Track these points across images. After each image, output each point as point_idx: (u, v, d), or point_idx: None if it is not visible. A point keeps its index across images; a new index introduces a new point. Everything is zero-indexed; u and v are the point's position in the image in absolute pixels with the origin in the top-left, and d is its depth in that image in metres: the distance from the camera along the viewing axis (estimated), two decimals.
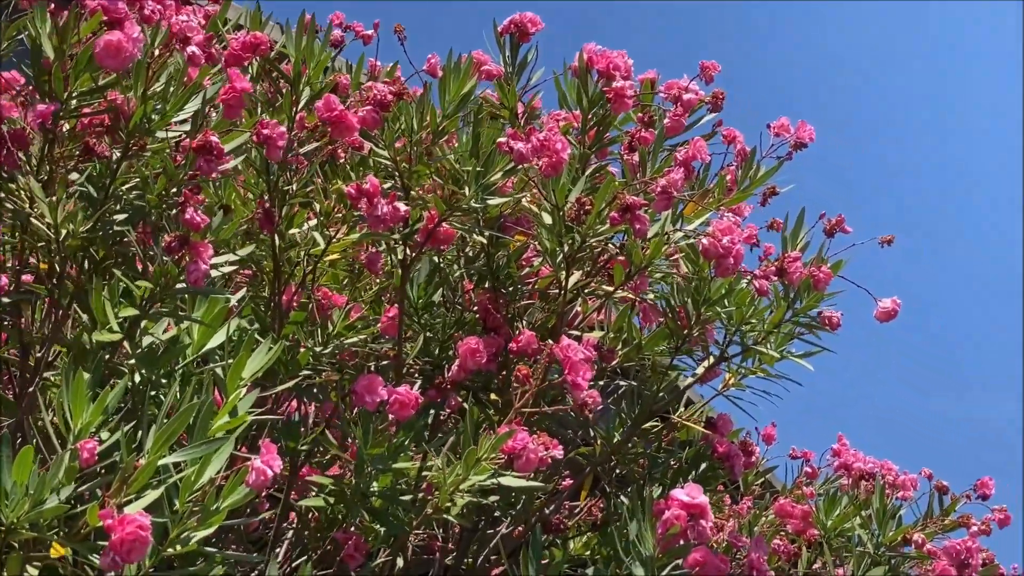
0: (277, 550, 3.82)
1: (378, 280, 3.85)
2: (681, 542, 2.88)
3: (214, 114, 2.97)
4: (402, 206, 3.25)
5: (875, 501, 4.17)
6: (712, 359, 3.89)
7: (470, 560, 3.94)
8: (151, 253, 2.88)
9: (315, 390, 3.78)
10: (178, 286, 2.81)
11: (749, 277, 3.62)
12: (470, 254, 4.00)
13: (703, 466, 3.99)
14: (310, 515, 3.68)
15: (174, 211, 2.84)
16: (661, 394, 3.93)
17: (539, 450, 2.99)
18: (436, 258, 3.93)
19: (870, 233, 3.82)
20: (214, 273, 3.01)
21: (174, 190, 2.88)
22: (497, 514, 4.00)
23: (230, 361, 2.76)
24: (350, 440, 3.28)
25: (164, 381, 2.86)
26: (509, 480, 2.99)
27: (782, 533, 4.33)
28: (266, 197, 3.32)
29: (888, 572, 3.86)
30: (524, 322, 3.80)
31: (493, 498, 3.28)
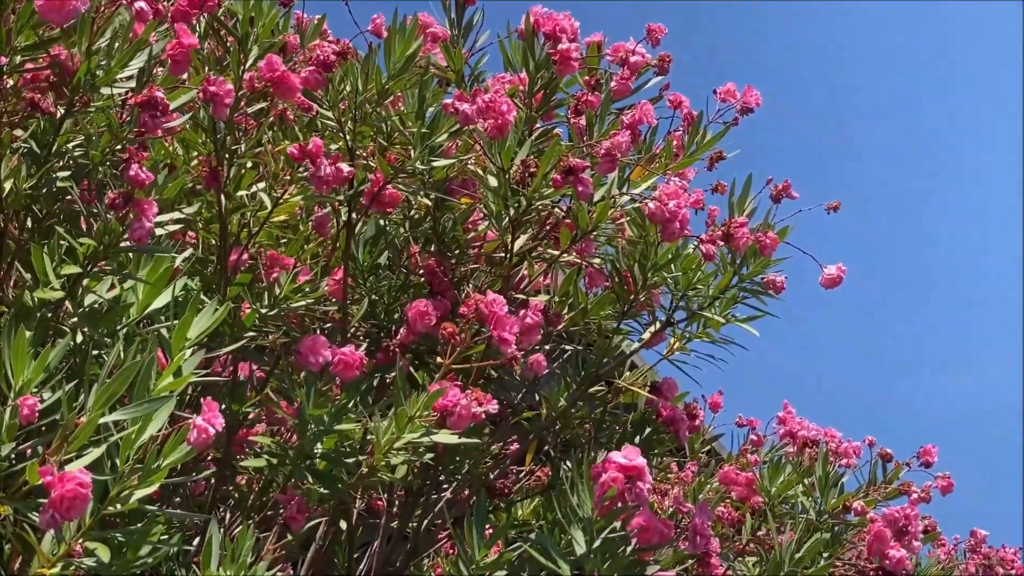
0: (221, 512, 3.81)
1: (324, 242, 3.83)
2: (619, 504, 2.89)
3: (160, 71, 2.93)
4: (345, 167, 3.23)
5: (818, 469, 4.21)
6: (658, 324, 3.90)
7: (414, 525, 3.94)
8: (95, 211, 2.84)
9: (257, 350, 3.77)
10: (122, 244, 2.78)
11: (696, 242, 3.62)
12: (416, 217, 3.98)
13: (648, 431, 4.00)
14: (253, 477, 3.67)
15: (118, 168, 2.80)
16: (606, 359, 3.93)
17: (472, 406, 2.98)
18: (382, 221, 3.91)
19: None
20: (159, 232, 2.98)
21: (119, 147, 2.84)
22: (442, 479, 4.00)
23: (175, 322, 2.74)
24: (296, 402, 3.27)
25: (107, 340, 2.83)
26: (442, 437, 2.98)
27: (727, 500, 4.36)
28: (213, 156, 3.29)
29: (830, 539, 3.89)
30: (470, 286, 3.78)
31: (429, 456, 3.28)
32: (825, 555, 3.74)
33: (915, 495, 4.55)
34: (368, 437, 3.17)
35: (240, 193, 3.43)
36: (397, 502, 4.08)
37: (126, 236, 2.74)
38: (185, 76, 2.96)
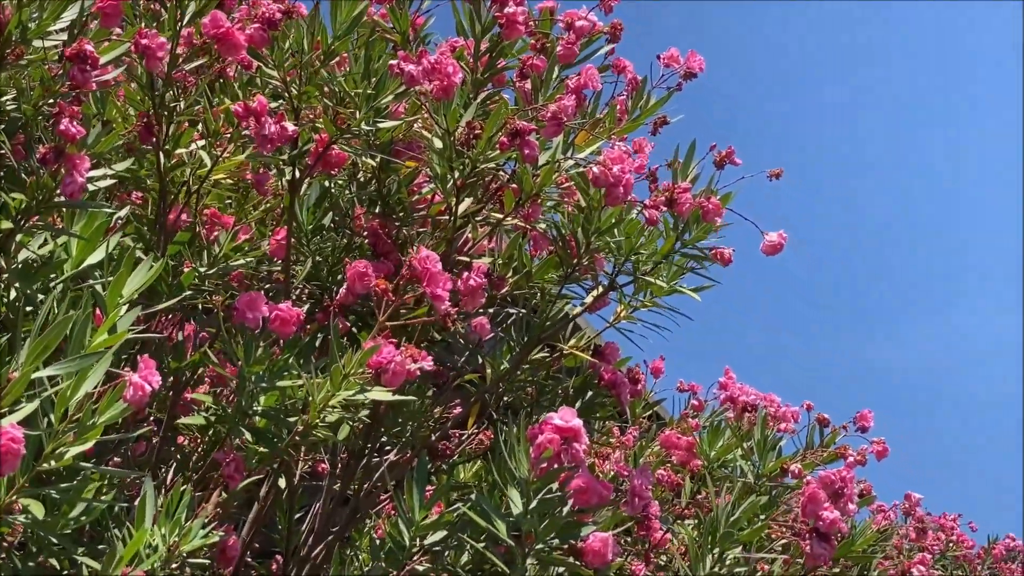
0: (163, 473, 3.79)
1: (267, 201, 3.81)
2: (556, 466, 2.90)
3: (94, 24, 2.90)
4: (290, 126, 3.21)
5: (757, 433, 4.24)
6: (601, 288, 3.90)
7: (356, 486, 3.94)
8: (26, 165, 2.81)
9: (199, 310, 3.75)
10: (55, 200, 2.75)
11: (639, 207, 3.62)
12: (362, 179, 3.97)
13: (590, 394, 4.02)
14: (197, 437, 3.66)
15: (50, 122, 2.77)
16: (549, 322, 3.93)
17: (406, 362, 2.98)
18: (327, 182, 3.90)
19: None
20: (92, 187, 2.95)
21: (51, 101, 2.81)
22: (384, 441, 4.01)
23: (110, 278, 2.72)
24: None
25: (41, 297, 2.81)
26: (377, 394, 2.98)
27: (667, 464, 4.39)
28: (151, 113, 3.26)
29: (767, 502, 3.92)
30: (414, 248, 3.78)
31: (366, 414, 3.28)
32: (761, 517, 3.77)
33: (851, 459, 4.60)
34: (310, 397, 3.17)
35: (179, 151, 3.40)
36: (340, 465, 4.08)
37: (59, 191, 2.71)
38: (118, 30, 2.93)
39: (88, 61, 2.69)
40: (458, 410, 4.31)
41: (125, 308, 2.69)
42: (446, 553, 3.30)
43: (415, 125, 3.68)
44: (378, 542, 3.35)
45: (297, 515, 4.12)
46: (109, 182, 3.16)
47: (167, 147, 3.35)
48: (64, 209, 2.82)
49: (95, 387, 2.46)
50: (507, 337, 4.06)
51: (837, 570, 4.26)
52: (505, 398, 4.16)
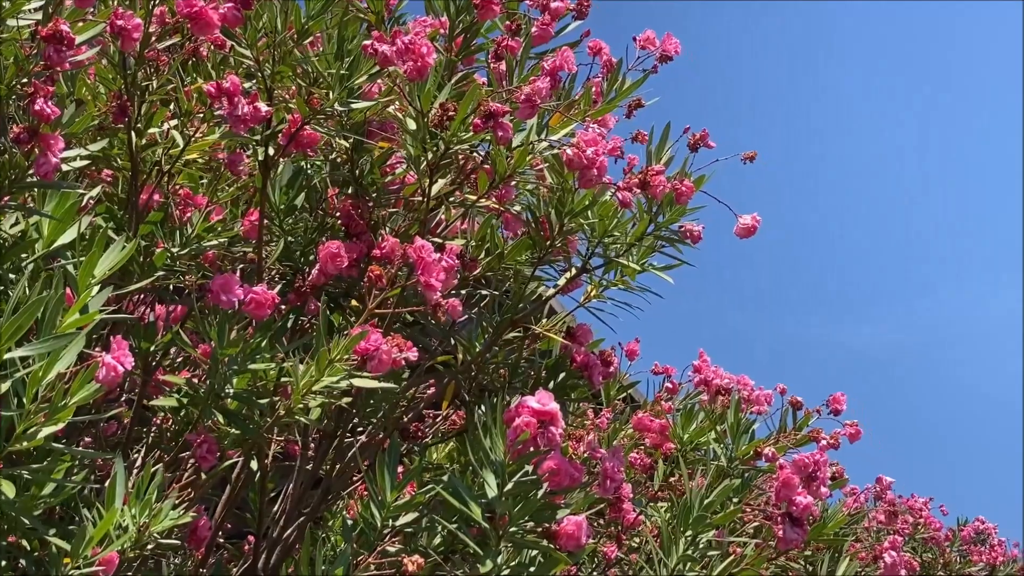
0: (135, 454, 3.79)
1: (239, 182, 3.79)
2: (531, 449, 2.90)
3: (69, 3, 2.88)
4: (263, 106, 3.20)
5: (730, 416, 4.26)
6: (574, 270, 3.90)
7: (328, 467, 3.93)
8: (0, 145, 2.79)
9: (172, 291, 3.74)
10: (28, 179, 2.73)
11: (613, 189, 3.62)
12: (338, 161, 3.96)
13: (562, 376, 4.01)
14: (170, 418, 3.65)
15: (24, 102, 2.75)
16: (522, 304, 3.93)
17: (392, 351, 2.98)
18: (303, 163, 3.88)
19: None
20: (65, 167, 2.94)
21: (24, 81, 2.78)
22: (356, 422, 4.01)
23: (82, 258, 2.71)
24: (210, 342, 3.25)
25: (12, 276, 2.79)
26: (362, 381, 2.98)
27: (640, 446, 4.40)
28: (123, 92, 3.24)
29: (740, 485, 3.94)
30: (387, 229, 3.77)
31: (347, 400, 3.27)
32: (734, 500, 3.79)
33: (824, 442, 4.61)
34: (283, 379, 3.16)
35: (152, 130, 3.38)
36: (313, 446, 4.08)
37: (31, 171, 2.69)
38: (92, 9, 2.91)
39: (64, 41, 2.67)
40: (431, 391, 4.31)
41: (97, 288, 2.67)
42: (419, 535, 3.30)
43: (391, 108, 3.67)
44: (350, 523, 3.34)
45: (271, 496, 4.12)
46: (82, 163, 3.14)
47: (139, 127, 3.33)
48: (36, 189, 2.80)
49: (67, 368, 2.45)
50: (480, 319, 4.06)
51: (809, 553, 4.28)
52: (478, 380, 4.15)
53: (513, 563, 3.02)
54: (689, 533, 3.55)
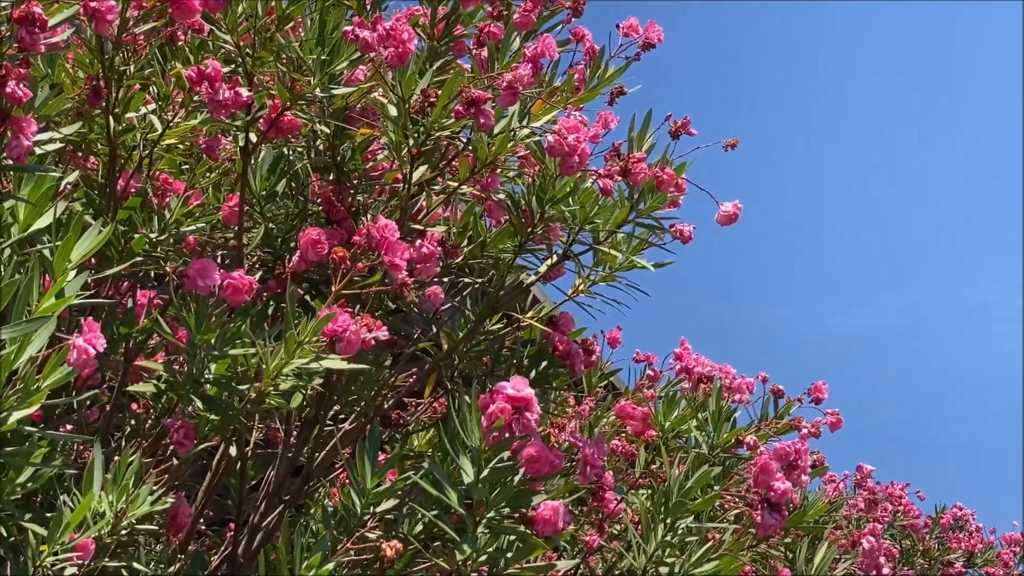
0: (115, 440, 3.78)
1: (219, 167, 3.78)
2: (507, 435, 2.90)
3: None
4: (244, 92, 3.19)
5: (711, 404, 4.26)
6: (555, 257, 3.89)
7: (308, 454, 3.93)
8: None
9: (152, 277, 3.73)
10: (1, 163, 2.72)
11: (595, 177, 3.62)
12: (320, 147, 3.94)
13: (544, 364, 4.01)
14: (150, 404, 3.64)
15: None
16: (503, 292, 3.93)
17: (361, 332, 2.97)
18: (285, 149, 3.87)
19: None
20: (40, 151, 2.92)
21: None
22: (337, 409, 4.00)
23: (58, 243, 2.70)
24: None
25: None
26: (331, 363, 2.97)
27: (622, 434, 4.41)
28: (100, 77, 3.23)
29: (720, 472, 3.95)
30: (368, 216, 3.76)
31: (319, 383, 3.27)
32: (714, 487, 3.79)
33: (805, 430, 4.62)
34: (262, 365, 3.15)
35: (130, 115, 3.36)
36: (295, 433, 4.07)
37: (4, 155, 2.68)
38: None
39: (37, 24, 2.65)
40: (414, 379, 4.31)
41: (73, 273, 2.66)
42: (400, 522, 3.31)
43: (374, 93, 3.66)
44: (331, 510, 3.34)
45: (252, 483, 4.12)
46: (57, 146, 3.12)
47: (117, 111, 3.32)
48: (12, 173, 2.79)
49: (39, 351, 2.45)
50: (462, 307, 4.06)
51: (789, 540, 4.29)
52: (460, 367, 4.15)
53: (491, 549, 3.03)
54: (668, 519, 3.55)
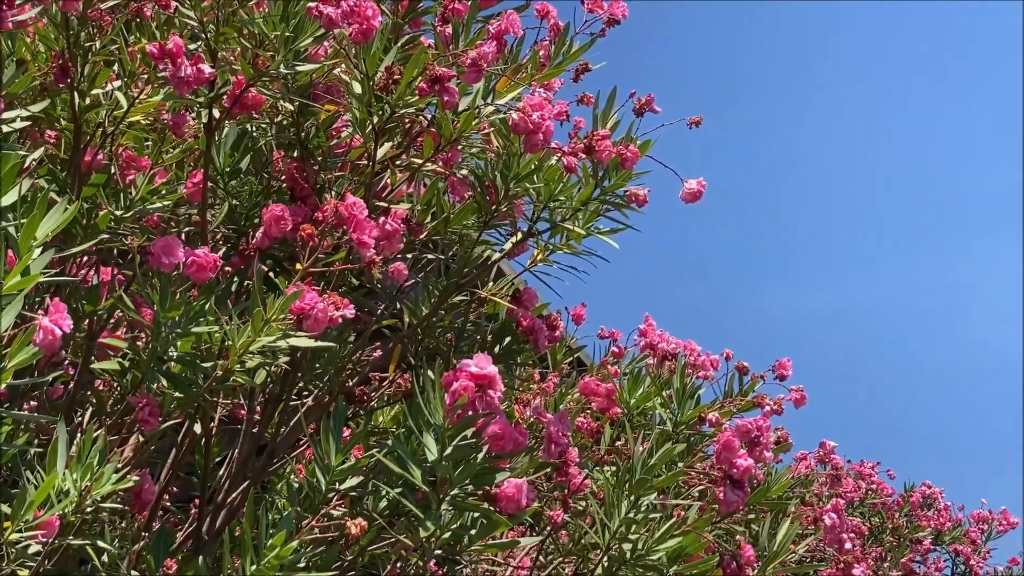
0: (79, 417, 3.77)
1: (184, 144, 3.76)
2: (470, 413, 2.91)
3: None
4: (207, 68, 3.18)
5: (676, 381, 4.28)
6: (520, 234, 3.90)
7: (272, 430, 3.93)
8: None
9: (116, 254, 3.72)
10: None
11: (559, 154, 3.62)
12: (284, 123, 3.93)
13: (508, 340, 4.02)
14: (114, 381, 3.63)
15: None
16: (466, 268, 3.93)
17: (328, 310, 2.97)
18: (249, 125, 3.86)
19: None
20: (5, 128, 2.91)
21: None
22: (301, 385, 4.00)
23: (23, 220, 2.68)
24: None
25: None
26: (298, 341, 2.98)
27: (587, 411, 4.42)
28: (66, 53, 3.21)
29: (684, 449, 3.96)
30: (333, 193, 3.76)
31: (285, 360, 3.27)
32: (678, 464, 3.81)
33: (768, 407, 4.65)
34: (227, 342, 3.15)
35: (95, 91, 3.35)
36: (259, 409, 4.07)
37: None
38: None
39: (3, 1, 2.63)
40: (377, 354, 4.31)
41: (38, 251, 2.65)
42: (365, 499, 3.32)
43: (338, 70, 3.65)
44: (296, 487, 3.35)
45: (217, 460, 4.12)
46: (23, 124, 3.11)
47: (82, 88, 3.30)
48: None
49: (5, 330, 2.44)
50: (427, 283, 4.06)
51: (753, 516, 4.32)
52: (424, 343, 4.16)
53: (455, 526, 3.04)
54: (631, 496, 3.57)
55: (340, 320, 3.03)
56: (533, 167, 3.63)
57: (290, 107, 3.74)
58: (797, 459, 8.08)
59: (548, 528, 4.22)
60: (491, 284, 4.14)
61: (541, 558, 4.39)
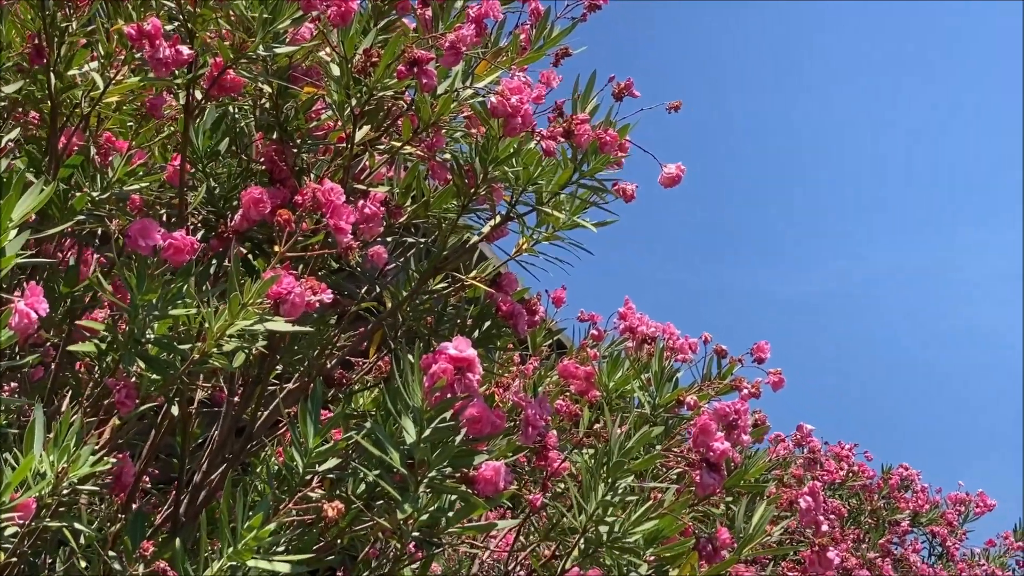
0: (59, 399, 3.76)
1: (164, 126, 3.75)
2: (449, 395, 2.91)
3: None
4: (185, 50, 3.17)
5: (654, 364, 4.29)
6: (499, 218, 3.90)
7: (251, 414, 3.93)
8: None
9: (95, 236, 3.71)
10: None
11: (538, 138, 3.62)
12: (267, 105, 3.92)
13: (487, 324, 4.03)
14: (93, 364, 3.63)
15: None
16: (445, 252, 3.93)
17: (305, 294, 2.97)
18: (231, 108, 3.85)
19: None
20: None
21: None
22: (280, 368, 4.00)
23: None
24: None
25: None
26: (275, 325, 2.97)
27: (566, 394, 4.43)
28: (42, 34, 3.20)
29: (662, 432, 3.98)
30: (312, 175, 3.75)
31: (263, 344, 3.27)
32: (656, 447, 3.82)
33: (746, 390, 4.66)
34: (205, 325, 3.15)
35: (72, 72, 3.34)
36: (239, 392, 4.07)
37: None
38: None
39: None
40: (358, 338, 4.31)
41: (15, 232, 2.65)
42: (343, 482, 3.32)
43: (321, 53, 3.64)
44: (275, 470, 3.35)
45: (198, 443, 4.12)
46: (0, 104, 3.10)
47: (59, 68, 3.29)
48: None
49: None
50: (406, 266, 4.06)
51: (730, 499, 4.34)
52: (404, 327, 4.16)
53: (432, 508, 3.05)
54: (609, 479, 3.58)
55: (318, 304, 3.03)
56: (512, 151, 3.62)
57: (270, 89, 3.73)
58: (772, 441, 8.11)
59: (527, 511, 4.24)
60: (474, 269, 4.15)
61: (522, 539, 4.41)
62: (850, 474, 9.75)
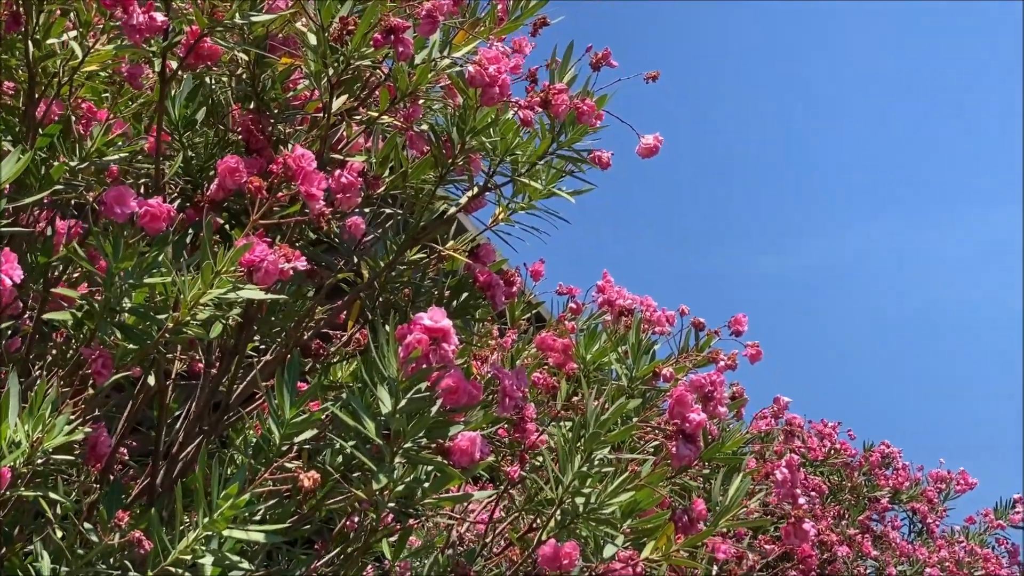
0: (37, 370, 3.75)
1: (142, 95, 3.73)
2: (424, 366, 2.91)
3: None
4: (159, 16, 3.15)
5: (632, 336, 4.29)
6: (476, 188, 3.90)
7: (227, 386, 3.92)
8: None
9: (73, 206, 3.69)
10: None
11: (515, 108, 3.62)
12: (243, 76, 3.91)
13: (465, 295, 4.03)
14: (71, 334, 3.62)
15: None
16: (422, 223, 3.93)
17: (279, 262, 2.97)
18: (208, 78, 3.83)
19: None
20: None
21: None
22: (257, 339, 4.00)
23: None
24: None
25: None
26: (249, 293, 2.97)
27: (544, 366, 4.43)
28: (19, 1, 3.18)
29: (639, 404, 3.98)
30: (289, 146, 3.74)
31: (237, 313, 3.26)
32: (633, 419, 3.83)
33: (722, 362, 4.68)
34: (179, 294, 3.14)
35: (50, 41, 3.32)
36: (217, 364, 4.06)
37: None
38: None
39: None
40: (336, 309, 4.30)
41: None
42: (320, 453, 3.32)
43: (299, 23, 3.63)
44: (253, 441, 3.34)
45: (176, 415, 4.11)
46: None
47: (37, 37, 3.27)
48: None
49: None
50: (384, 238, 4.06)
51: (708, 472, 4.35)
52: (382, 298, 4.15)
53: (408, 479, 3.05)
54: (585, 451, 3.58)
55: (291, 272, 3.02)
56: (489, 121, 3.62)
57: (246, 58, 3.71)
58: (757, 417, 8.13)
59: (505, 483, 4.24)
60: (452, 240, 4.15)
61: (500, 512, 4.41)
62: (832, 451, 9.79)
